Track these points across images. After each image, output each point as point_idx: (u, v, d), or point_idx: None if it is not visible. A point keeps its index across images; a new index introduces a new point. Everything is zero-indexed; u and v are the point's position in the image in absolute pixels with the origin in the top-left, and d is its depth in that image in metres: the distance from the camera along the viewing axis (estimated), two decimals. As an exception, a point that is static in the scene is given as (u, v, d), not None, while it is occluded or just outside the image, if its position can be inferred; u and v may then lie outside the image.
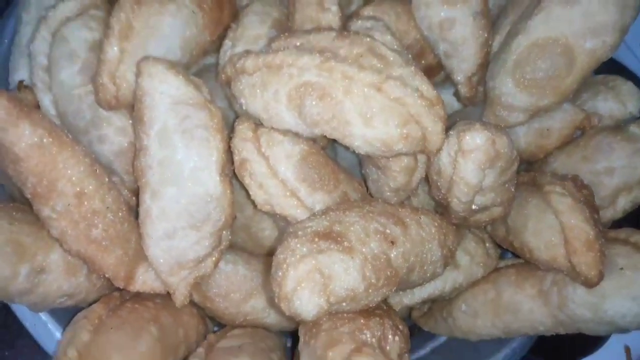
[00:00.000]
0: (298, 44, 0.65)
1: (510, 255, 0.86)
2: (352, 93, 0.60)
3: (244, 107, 0.67)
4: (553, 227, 0.69)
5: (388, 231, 0.61)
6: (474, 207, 0.68)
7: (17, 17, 0.79)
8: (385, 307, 0.63)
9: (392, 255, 0.59)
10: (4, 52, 0.82)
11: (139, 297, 0.70)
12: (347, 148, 0.66)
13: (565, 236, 0.67)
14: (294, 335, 0.82)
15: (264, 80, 0.64)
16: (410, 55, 0.69)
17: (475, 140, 0.61)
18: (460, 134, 0.62)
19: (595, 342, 0.95)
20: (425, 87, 0.62)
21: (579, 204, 0.67)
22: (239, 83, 0.66)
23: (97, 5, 0.74)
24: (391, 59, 0.63)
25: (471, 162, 0.62)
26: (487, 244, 0.81)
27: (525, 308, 0.73)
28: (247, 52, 0.67)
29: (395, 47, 0.69)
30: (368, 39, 0.64)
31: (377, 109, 0.60)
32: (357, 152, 0.65)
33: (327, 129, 0.63)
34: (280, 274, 0.54)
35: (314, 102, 0.61)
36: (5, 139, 0.57)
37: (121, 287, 0.68)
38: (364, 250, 0.57)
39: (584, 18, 0.72)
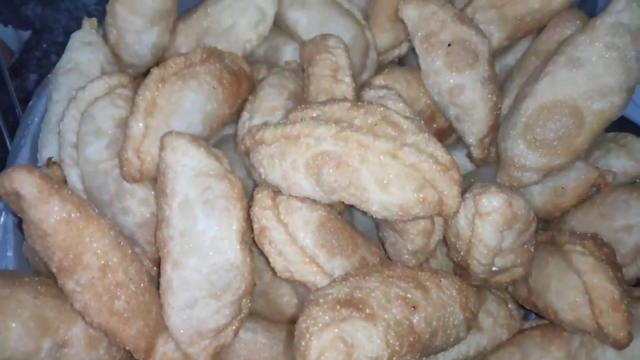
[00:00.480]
0: (314, 115, 0.67)
1: (534, 316, 0.84)
2: (368, 161, 0.62)
3: (262, 177, 0.69)
4: (576, 287, 0.68)
5: (409, 296, 0.60)
6: (494, 268, 0.68)
7: (48, 96, 0.83)
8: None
9: (414, 320, 0.59)
10: (34, 129, 0.86)
11: (159, 369, 0.69)
12: (364, 213, 0.68)
13: (589, 296, 0.66)
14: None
15: (282, 150, 0.66)
16: (422, 122, 0.71)
17: (492, 203, 0.62)
18: (476, 197, 0.63)
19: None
20: (440, 152, 0.63)
21: (601, 263, 0.66)
22: (258, 154, 0.69)
23: (124, 85, 0.78)
24: (405, 126, 0.65)
25: (489, 225, 0.63)
26: (510, 305, 0.80)
27: None
28: (266, 124, 0.69)
29: (408, 114, 0.71)
30: (381, 109, 0.66)
31: (393, 175, 0.62)
32: (374, 217, 0.66)
33: (345, 196, 0.64)
34: (303, 343, 0.53)
35: (331, 171, 0.63)
36: (35, 216, 0.59)
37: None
38: (386, 316, 0.56)
39: (589, 81, 0.74)
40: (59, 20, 1.36)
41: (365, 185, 0.62)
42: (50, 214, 0.59)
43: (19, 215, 0.62)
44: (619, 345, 0.63)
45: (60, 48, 1.31)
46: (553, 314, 0.71)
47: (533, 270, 0.73)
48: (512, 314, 0.79)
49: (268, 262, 0.69)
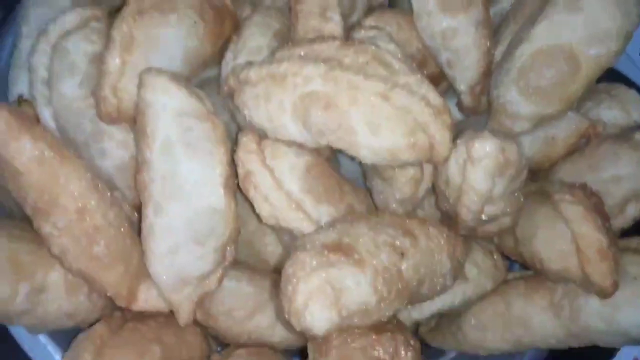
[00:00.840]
0: (302, 53, 0.64)
1: (517, 268, 0.85)
2: (358, 102, 0.59)
3: (247, 119, 0.66)
4: (564, 236, 0.68)
5: (397, 243, 0.59)
6: (483, 217, 0.67)
7: (16, 31, 0.78)
8: (396, 322, 0.61)
9: (402, 267, 0.58)
10: (3, 67, 0.81)
11: (141, 316, 0.68)
12: (352, 159, 0.66)
13: (577, 245, 0.66)
14: (301, 355, 0.80)
15: (268, 90, 0.63)
16: (414, 64, 0.69)
17: (485, 148, 0.60)
18: (468, 142, 0.61)
19: (604, 354, 0.94)
20: (432, 95, 0.61)
21: (591, 212, 0.66)
22: (243, 94, 0.66)
23: (98, 18, 0.73)
24: (397, 67, 0.62)
25: (481, 170, 0.61)
26: (495, 256, 0.80)
27: (536, 321, 0.72)
28: (250, 63, 0.66)
29: (400, 55, 0.68)
30: (373, 47, 0.63)
31: (383, 117, 0.59)
32: (363, 162, 0.64)
33: (333, 139, 0.62)
34: (290, 288, 0.52)
35: (319, 112, 0.61)
36: (5, 153, 0.56)
37: (123, 306, 0.66)
38: (374, 262, 0.55)
39: (587, 25, 0.72)
40: (27, -48, 1.27)
41: (355, 128, 0.60)
42: (22, 151, 0.56)
43: (-12, 154, 0.58)
44: (605, 294, 0.64)
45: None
46: (539, 263, 0.71)
47: (521, 220, 0.72)
48: (497, 264, 0.79)
49: (253, 210, 0.68)
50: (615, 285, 0.63)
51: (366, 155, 0.62)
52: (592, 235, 0.65)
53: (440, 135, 0.61)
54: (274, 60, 0.64)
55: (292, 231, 0.67)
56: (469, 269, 0.76)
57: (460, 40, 0.80)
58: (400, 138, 0.60)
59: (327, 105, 0.60)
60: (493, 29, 0.84)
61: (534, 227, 0.71)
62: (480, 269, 0.76)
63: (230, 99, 0.70)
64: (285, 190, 0.66)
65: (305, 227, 0.65)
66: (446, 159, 0.64)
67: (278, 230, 0.71)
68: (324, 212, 0.67)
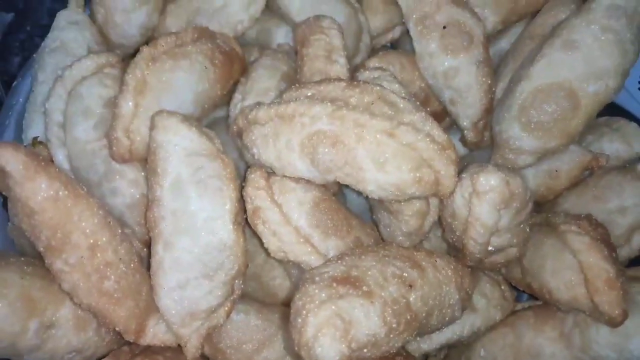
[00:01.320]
0: (309, 94, 0.67)
1: (525, 298, 0.84)
2: (364, 140, 0.61)
3: (256, 157, 0.68)
4: (572, 267, 0.68)
5: (405, 275, 0.60)
6: (490, 248, 0.67)
7: (33, 76, 0.82)
8: (404, 354, 0.61)
9: (411, 298, 0.58)
10: (19, 110, 0.84)
11: (149, 351, 0.68)
12: (359, 194, 0.67)
13: (585, 275, 0.66)
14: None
15: (276, 130, 0.65)
16: (418, 103, 0.71)
17: (490, 181, 0.62)
18: (473, 176, 0.63)
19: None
20: (437, 131, 0.63)
21: (597, 243, 0.67)
22: (251, 134, 0.68)
23: (112, 64, 0.76)
24: (401, 105, 0.64)
25: (486, 203, 0.62)
26: (503, 287, 0.80)
27: (547, 352, 0.71)
28: (259, 104, 0.68)
29: (404, 94, 0.70)
30: (378, 88, 0.66)
31: (389, 154, 0.61)
32: (370, 197, 0.65)
33: (341, 175, 0.63)
34: (300, 320, 0.52)
35: (326, 150, 0.62)
36: (21, 194, 0.58)
37: (131, 341, 0.66)
38: (383, 294, 0.56)
39: (585, 63, 0.74)
40: (43, 3, 1.33)
41: (362, 165, 0.62)
42: (37, 191, 0.58)
43: (4, 193, 0.60)
44: (614, 323, 0.63)
45: (44, 31, 1.28)
46: (548, 293, 0.71)
47: (528, 251, 0.73)
48: (506, 295, 0.79)
49: (261, 244, 0.69)
50: (625, 314, 0.63)
51: (373, 190, 0.63)
52: (599, 266, 0.65)
53: (446, 170, 0.62)
54: (282, 100, 0.67)
55: (300, 265, 0.67)
56: (477, 300, 0.76)
57: (462, 79, 0.83)
58: (407, 173, 0.61)
59: (334, 143, 0.62)
60: (493, 68, 0.87)
61: (542, 258, 0.71)
62: (488, 300, 0.76)
63: (238, 139, 0.72)
64: (294, 226, 0.67)
65: (313, 260, 0.66)
66: (452, 193, 0.65)
67: (286, 264, 0.72)
68: (332, 246, 0.67)
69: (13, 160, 0.57)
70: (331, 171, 0.64)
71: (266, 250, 0.68)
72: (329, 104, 0.63)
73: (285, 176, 0.68)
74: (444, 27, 0.82)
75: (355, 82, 0.67)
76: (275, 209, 0.67)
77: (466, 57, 0.82)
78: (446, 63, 0.83)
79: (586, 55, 0.74)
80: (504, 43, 0.95)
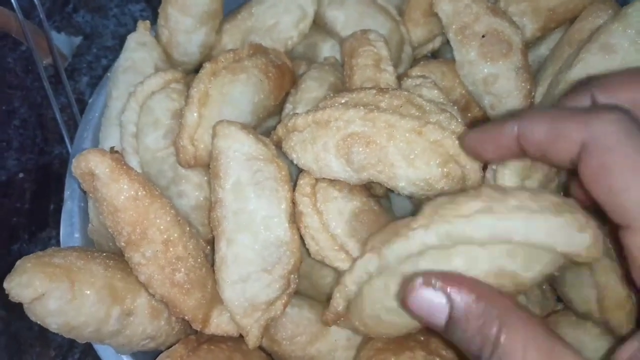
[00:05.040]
0: (343, 101, 0.72)
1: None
2: (395, 138, 0.66)
3: (295, 162, 0.73)
4: (587, 283, 0.70)
5: None
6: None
7: (107, 93, 0.89)
8: (422, 339, 0.64)
9: None
10: (95, 124, 0.93)
11: (214, 339, 0.73)
12: (391, 190, 0.71)
13: (598, 294, 0.68)
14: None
15: (313, 134, 0.70)
16: (456, 108, 0.75)
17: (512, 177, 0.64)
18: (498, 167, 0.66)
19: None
20: (461, 129, 0.67)
21: (614, 263, 0.68)
22: (290, 141, 0.73)
23: (177, 80, 0.84)
24: (427, 108, 0.69)
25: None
26: (544, 286, 0.81)
27: (590, 348, 0.72)
28: (296, 114, 0.73)
29: (442, 100, 0.75)
30: (405, 93, 0.70)
31: (418, 151, 0.65)
32: (401, 193, 0.69)
33: (374, 173, 0.68)
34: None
35: (360, 149, 0.67)
36: (107, 194, 0.65)
37: (198, 330, 0.72)
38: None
39: (622, 66, 0.76)
40: (108, 27, 1.44)
41: (393, 161, 0.66)
42: (120, 191, 0.65)
43: (91, 194, 0.68)
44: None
45: (109, 52, 1.41)
46: (568, 302, 0.74)
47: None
48: (546, 294, 0.81)
49: (308, 245, 0.73)
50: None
51: (404, 186, 0.68)
52: (612, 287, 0.67)
53: (471, 164, 0.66)
54: (318, 108, 0.72)
55: (336, 269, 0.72)
56: (519, 299, 0.78)
57: (502, 85, 0.86)
58: (435, 168, 0.66)
59: (367, 142, 0.66)
60: (533, 73, 0.90)
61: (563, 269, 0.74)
62: (529, 299, 0.78)
63: (279, 147, 0.76)
64: (331, 233, 0.71)
65: (347, 267, 0.69)
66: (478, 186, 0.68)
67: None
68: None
69: (101, 164, 0.64)
70: (365, 169, 0.68)
71: (308, 251, 0.73)
72: (361, 107, 0.67)
73: (330, 185, 0.72)
74: (483, 36, 0.86)
75: (384, 89, 0.72)
76: (315, 216, 0.71)
77: (505, 63, 0.85)
78: (485, 70, 0.86)
79: (623, 59, 0.76)
80: (543, 49, 0.97)
